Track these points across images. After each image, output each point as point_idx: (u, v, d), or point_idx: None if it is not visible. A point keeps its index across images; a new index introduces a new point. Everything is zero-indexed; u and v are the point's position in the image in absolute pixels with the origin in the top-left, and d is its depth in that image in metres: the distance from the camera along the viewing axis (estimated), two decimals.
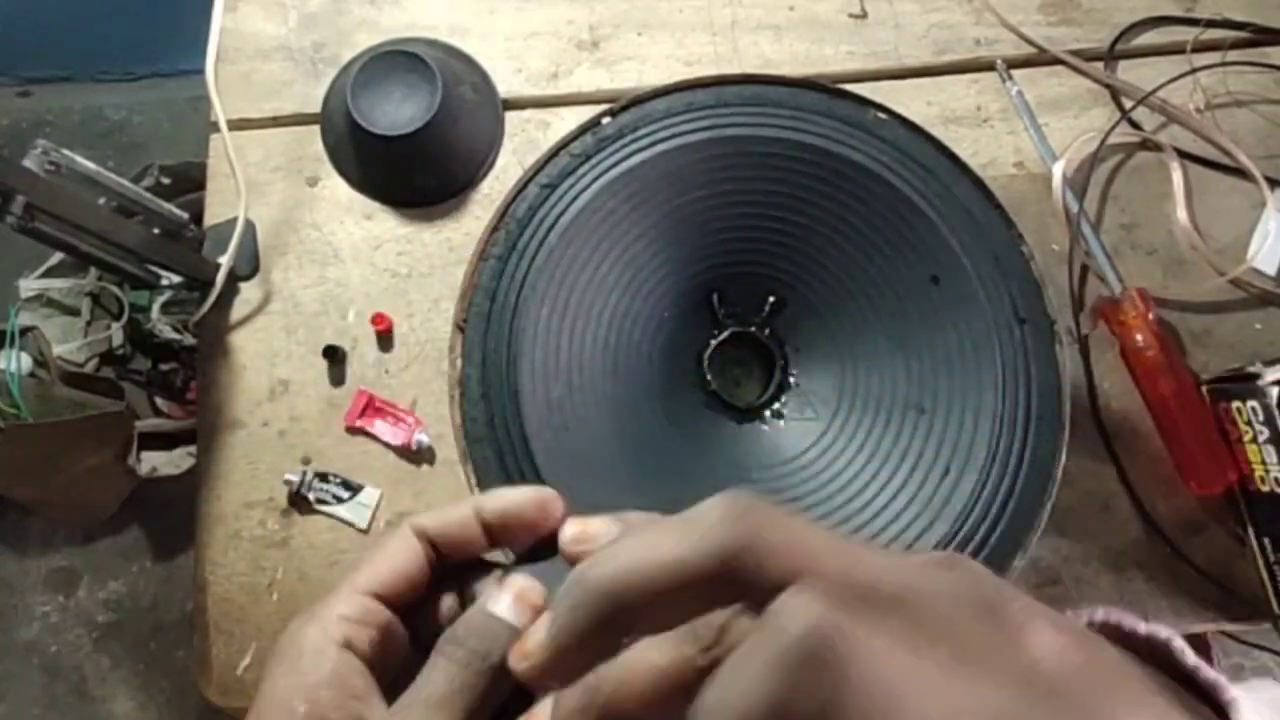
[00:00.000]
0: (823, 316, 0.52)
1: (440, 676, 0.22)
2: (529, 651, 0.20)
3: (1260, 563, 0.52)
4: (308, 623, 0.24)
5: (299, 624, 0.25)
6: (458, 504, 0.26)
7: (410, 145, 0.56)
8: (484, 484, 0.45)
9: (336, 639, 0.24)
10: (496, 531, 0.26)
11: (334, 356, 0.56)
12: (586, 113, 0.51)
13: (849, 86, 0.51)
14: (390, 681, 0.24)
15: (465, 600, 0.26)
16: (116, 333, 1.04)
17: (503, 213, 0.49)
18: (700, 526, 0.17)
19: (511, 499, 0.25)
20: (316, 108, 0.61)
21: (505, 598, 0.23)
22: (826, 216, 0.50)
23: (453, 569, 0.27)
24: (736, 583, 0.17)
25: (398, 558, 0.26)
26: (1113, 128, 0.59)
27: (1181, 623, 0.52)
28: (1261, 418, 0.50)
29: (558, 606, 0.19)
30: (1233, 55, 0.61)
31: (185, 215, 0.56)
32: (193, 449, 0.70)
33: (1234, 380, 0.52)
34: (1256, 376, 0.50)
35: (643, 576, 0.18)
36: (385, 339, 0.57)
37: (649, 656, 0.18)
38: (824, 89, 0.51)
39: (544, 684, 0.20)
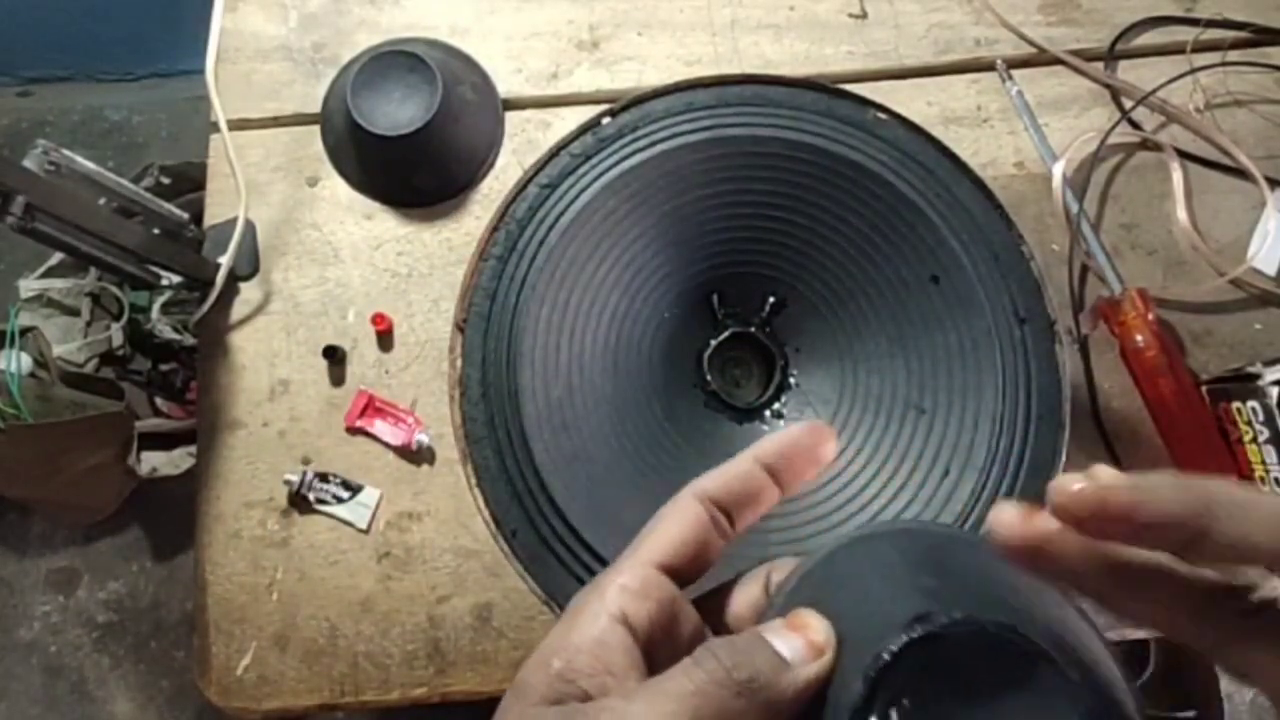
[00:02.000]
0: (823, 316, 0.52)
1: (671, 684, 0.20)
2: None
3: None
4: (591, 590, 0.23)
5: (584, 590, 0.24)
6: (734, 459, 0.25)
7: (410, 145, 0.56)
8: (484, 484, 0.45)
9: (612, 610, 0.22)
10: (781, 473, 0.25)
11: (334, 356, 0.56)
12: (586, 113, 0.51)
13: (849, 86, 0.51)
14: (675, 658, 0.23)
15: (768, 589, 0.25)
16: (116, 333, 1.04)
17: (503, 213, 0.49)
18: None
19: (788, 435, 0.25)
20: (316, 108, 0.61)
21: (781, 629, 0.21)
22: (826, 216, 0.50)
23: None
24: None
25: (679, 524, 0.24)
26: (1113, 128, 0.59)
27: None
28: (1261, 418, 0.50)
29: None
30: (1233, 55, 0.61)
31: (185, 215, 0.56)
32: (193, 449, 0.70)
33: (1234, 380, 0.52)
34: (1256, 376, 0.50)
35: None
36: (385, 339, 0.57)
37: None
38: (824, 89, 0.51)
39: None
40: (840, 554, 0.23)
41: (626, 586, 0.23)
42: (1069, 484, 0.19)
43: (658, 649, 0.23)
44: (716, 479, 0.25)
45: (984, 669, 0.18)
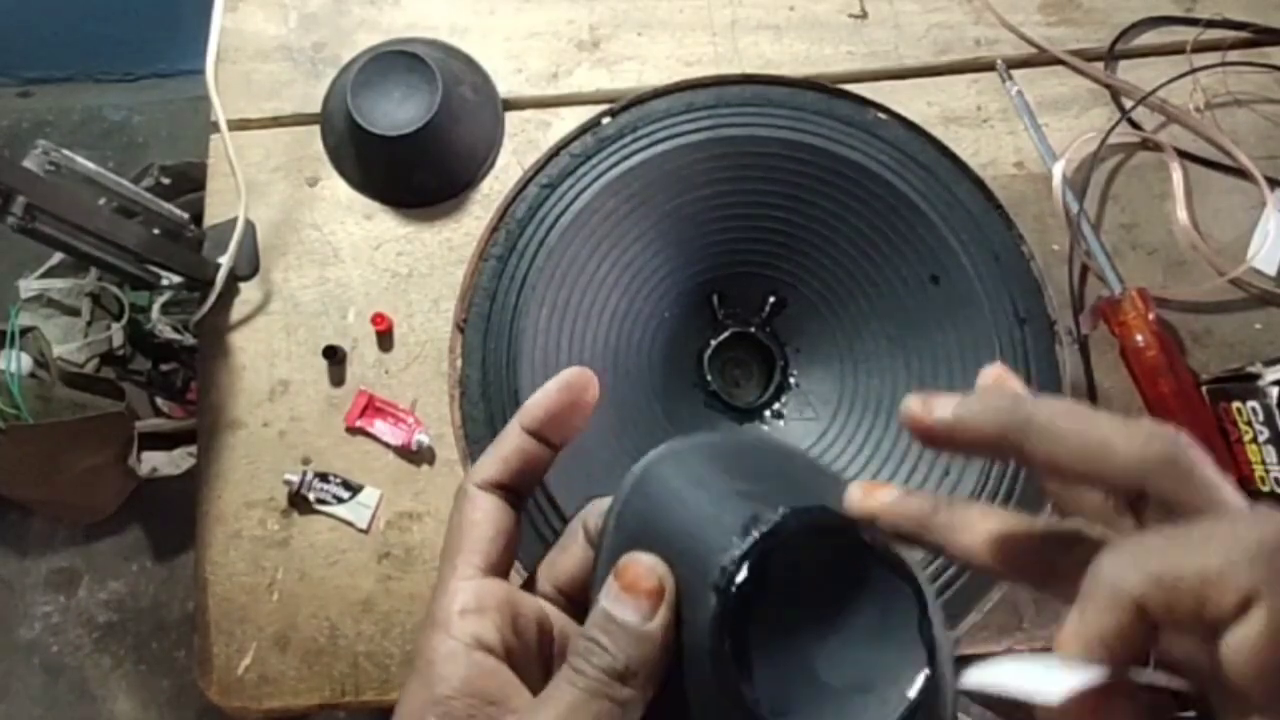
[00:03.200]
0: (823, 316, 0.52)
1: (563, 699, 0.20)
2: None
3: None
4: (431, 630, 0.23)
5: (424, 631, 0.23)
6: (502, 436, 0.25)
7: (410, 145, 0.56)
8: None
9: (465, 641, 0.22)
10: (552, 435, 0.25)
11: (334, 356, 0.56)
12: (586, 113, 0.51)
13: (849, 86, 0.51)
14: (527, 651, 0.24)
15: (589, 538, 0.26)
16: (116, 333, 1.04)
17: (503, 213, 0.49)
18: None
19: (545, 398, 0.25)
20: (316, 108, 0.61)
21: (621, 595, 0.21)
22: (826, 216, 0.50)
23: None
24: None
25: (481, 524, 0.24)
26: (1113, 128, 0.59)
27: None
28: (1261, 418, 0.50)
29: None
30: (1233, 55, 0.61)
31: (185, 215, 0.56)
32: (193, 449, 0.70)
33: (1234, 380, 0.52)
34: (1256, 376, 0.50)
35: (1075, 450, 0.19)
36: (385, 339, 0.57)
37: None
38: (824, 89, 0.51)
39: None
40: (648, 479, 0.23)
41: (466, 609, 0.23)
42: (909, 404, 0.21)
43: (514, 652, 0.23)
44: (493, 463, 0.25)
45: (818, 558, 0.20)
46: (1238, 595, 0.16)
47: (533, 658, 0.24)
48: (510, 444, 0.25)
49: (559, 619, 0.25)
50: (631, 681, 0.20)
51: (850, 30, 0.63)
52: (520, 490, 0.26)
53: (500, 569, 0.24)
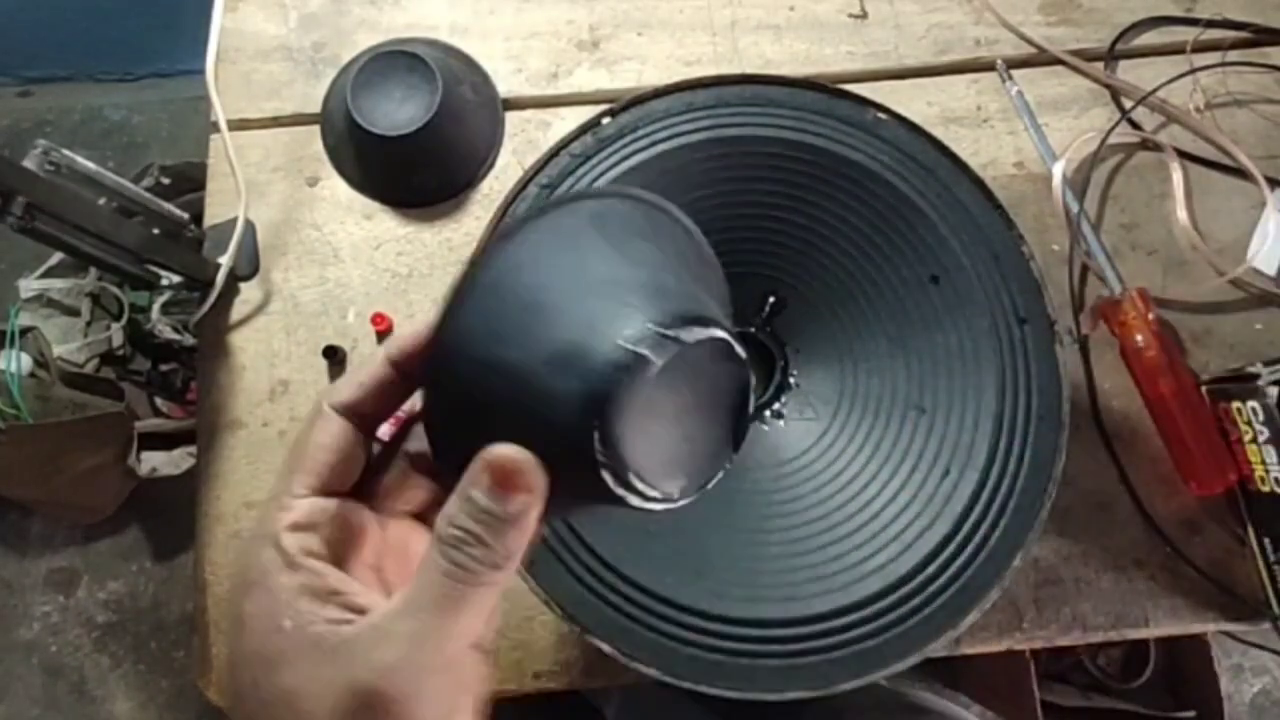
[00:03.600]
0: (823, 316, 0.52)
1: (431, 584, 0.22)
2: None
3: (1260, 563, 0.52)
4: (262, 545, 0.24)
5: (254, 547, 0.24)
6: (365, 362, 0.26)
7: (410, 145, 0.56)
8: None
9: (294, 552, 0.23)
10: (412, 369, 0.26)
11: (334, 356, 0.56)
12: (586, 113, 0.51)
13: (849, 86, 0.51)
14: (357, 545, 0.25)
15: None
16: (116, 333, 1.04)
17: (503, 213, 0.49)
18: None
19: (415, 334, 0.26)
20: (316, 108, 0.62)
21: (484, 479, 0.22)
22: (826, 216, 0.50)
23: None
24: None
25: (327, 447, 0.25)
26: (1113, 128, 0.59)
27: (1181, 623, 0.52)
28: (1261, 418, 0.50)
29: None
30: (1233, 55, 0.61)
31: (185, 215, 0.56)
32: (193, 449, 0.70)
33: (1234, 380, 0.52)
34: (1256, 376, 0.50)
35: None
36: (385, 339, 0.57)
37: None
38: (824, 89, 0.51)
39: None
40: (490, 277, 0.23)
41: (297, 524, 0.24)
42: None
43: (343, 559, 0.25)
44: (352, 387, 0.26)
45: (682, 366, 0.23)
46: None
47: (362, 560, 0.25)
48: (371, 372, 0.26)
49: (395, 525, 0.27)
50: (506, 565, 0.22)
51: (850, 30, 0.63)
52: (373, 417, 0.26)
53: (336, 488, 0.25)
